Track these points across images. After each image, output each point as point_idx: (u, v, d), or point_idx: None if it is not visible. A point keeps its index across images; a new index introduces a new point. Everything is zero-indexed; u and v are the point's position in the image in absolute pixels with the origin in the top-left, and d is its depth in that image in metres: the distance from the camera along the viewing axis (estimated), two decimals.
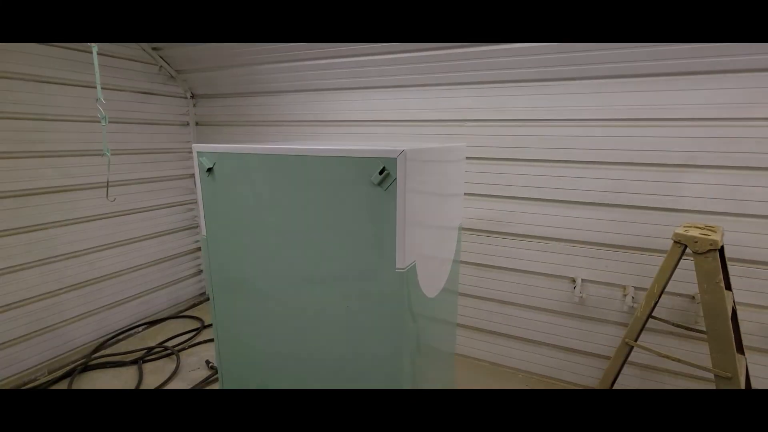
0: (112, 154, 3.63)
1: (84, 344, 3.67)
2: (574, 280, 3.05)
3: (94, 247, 3.64)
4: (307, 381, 1.65)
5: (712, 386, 2.71)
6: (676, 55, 2.46)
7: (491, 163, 3.15)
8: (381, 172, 1.20)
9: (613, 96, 2.71)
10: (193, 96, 4.38)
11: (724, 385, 2.11)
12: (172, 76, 4.14)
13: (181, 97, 4.31)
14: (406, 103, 3.37)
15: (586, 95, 2.78)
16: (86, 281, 3.62)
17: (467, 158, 3.19)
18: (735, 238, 2.56)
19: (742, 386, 2.14)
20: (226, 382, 2.03)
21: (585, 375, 3.16)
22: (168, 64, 4.03)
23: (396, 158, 1.18)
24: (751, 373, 2.53)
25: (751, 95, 2.40)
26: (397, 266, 1.28)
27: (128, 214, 3.90)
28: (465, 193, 3.26)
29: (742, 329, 2.47)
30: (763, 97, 2.38)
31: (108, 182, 2.57)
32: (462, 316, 3.50)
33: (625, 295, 2.88)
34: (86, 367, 3.38)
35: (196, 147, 1.57)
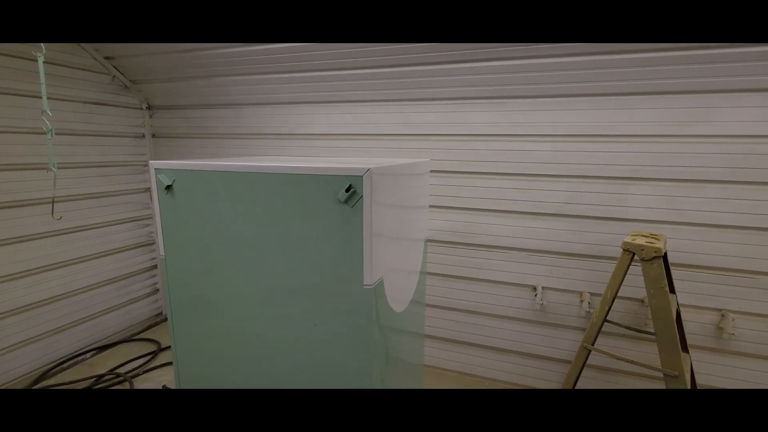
0: (60, 168, 3.40)
1: (23, 375, 3.35)
2: (535, 288, 3.17)
3: (36, 268, 3.36)
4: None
5: (662, 383, 2.89)
6: (619, 77, 2.67)
7: (454, 177, 3.25)
8: (347, 190, 1.21)
9: (565, 113, 2.89)
10: (149, 107, 4.20)
11: (672, 383, 2.26)
12: (126, 86, 3.96)
13: (136, 108, 4.12)
14: (370, 117, 3.42)
15: (540, 112, 2.94)
16: (28, 305, 3.33)
17: (432, 171, 3.27)
18: (675, 245, 2.77)
19: (688, 383, 2.30)
20: None
21: (548, 380, 3.27)
22: (122, 74, 3.86)
23: (362, 176, 1.20)
24: (694, 369, 2.72)
25: (687, 114, 2.65)
26: (364, 283, 1.28)
27: (77, 231, 3.65)
28: (430, 206, 3.33)
29: (685, 329, 2.67)
30: (697, 116, 2.63)
31: (54, 199, 2.40)
32: (429, 327, 3.53)
33: (582, 301, 3.03)
34: None
35: (154, 164, 1.50)
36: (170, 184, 1.48)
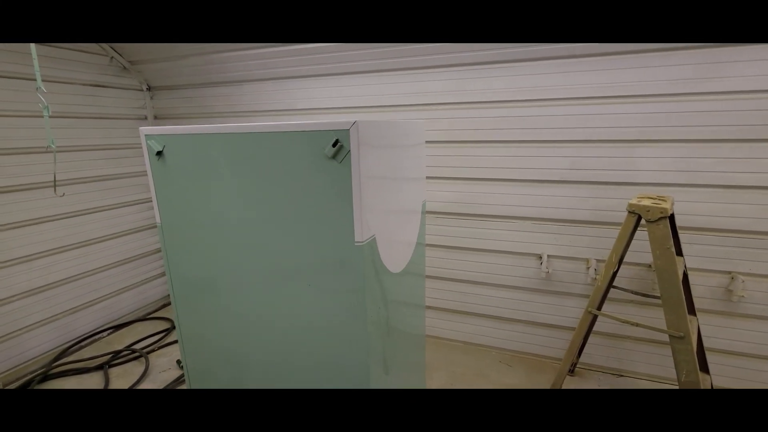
0: (65, 151, 3.45)
1: (43, 353, 3.49)
2: (540, 257, 3.14)
3: (48, 250, 3.45)
4: (274, 362, 1.63)
5: (669, 348, 2.87)
6: None
7: (455, 146, 3.19)
8: (334, 145, 1.19)
9: (568, 76, 2.79)
10: (149, 88, 4.19)
11: (678, 344, 2.24)
12: (125, 68, 3.94)
13: (136, 90, 4.12)
14: (371, 89, 3.35)
15: (543, 76, 2.85)
16: (42, 286, 3.44)
17: (433, 142, 3.22)
18: (685, 208, 2.70)
19: (694, 345, 2.27)
20: (193, 380, 1.98)
21: (555, 347, 3.28)
22: (120, 55, 3.84)
23: (348, 129, 1.18)
24: (702, 333, 2.69)
25: (697, 71, 2.53)
26: (356, 240, 1.28)
27: (85, 213, 3.72)
28: (431, 177, 3.29)
29: (693, 293, 2.63)
30: (708, 73, 2.51)
31: (55, 176, 2.43)
32: (434, 299, 3.55)
33: (588, 268, 3.00)
34: (46, 377, 3.22)
35: (144, 130, 1.50)
36: (161, 150, 1.48)
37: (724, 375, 2.84)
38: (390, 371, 1.82)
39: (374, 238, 1.35)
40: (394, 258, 1.57)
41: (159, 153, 1.48)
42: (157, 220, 1.61)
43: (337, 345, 1.47)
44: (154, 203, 1.59)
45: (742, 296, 2.64)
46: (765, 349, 2.72)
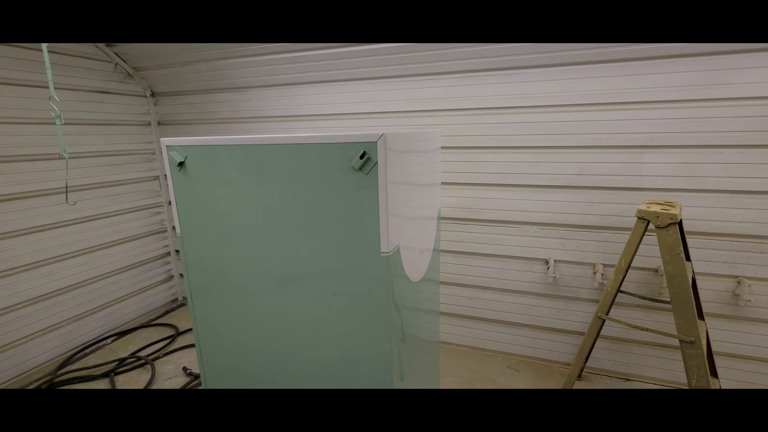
0: (70, 157, 3.43)
1: (48, 361, 3.45)
2: (547, 262, 3.16)
3: (53, 258, 3.42)
4: (294, 371, 1.63)
5: (677, 353, 2.90)
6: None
7: (464, 152, 3.21)
8: (362, 157, 1.20)
9: (576, 82, 2.82)
10: (153, 94, 4.18)
11: (688, 349, 2.26)
12: (129, 74, 3.94)
13: (140, 96, 4.11)
14: (377, 95, 3.37)
15: (550, 82, 2.87)
16: (46, 294, 3.41)
17: (442, 147, 3.23)
18: (692, 213, 2.73)
19: (704, 349, 2.29)
20: (209, 382, 1.97)
21: (561, 352, 3.29)
22: (124, 61, 3.83)
23: (376, 142, 1.19)
24: (710, 337, 2.72)
25: (702, 78, 2.56)
26: (381, 250, 1.28)
27: (89, 220, 3.69)
28: (441, 183, 3.30)
29: (701, 297, 2.65)
30: (713, 80, 2.55)
31: (67, 185, 2.42)
32: (443, 304, 3.56)
33: (595, 273, 3.02)
34: (52, 385, 3.19)
35: (165, 141, 1.50)
36: (182, 161, 1.48)
37: (732, 378, 2.87)
38: (406, 377, 1.82)
39: (398, 248, 1.36)
40: (415, 267, 1.58)
41: (180, 164, 1.48)
42: (177, 229, 1.61)
43: (358, 353, 1.47)
44: (174, 212, 1.59)
45: (749, 300, 2.67)
46: None
